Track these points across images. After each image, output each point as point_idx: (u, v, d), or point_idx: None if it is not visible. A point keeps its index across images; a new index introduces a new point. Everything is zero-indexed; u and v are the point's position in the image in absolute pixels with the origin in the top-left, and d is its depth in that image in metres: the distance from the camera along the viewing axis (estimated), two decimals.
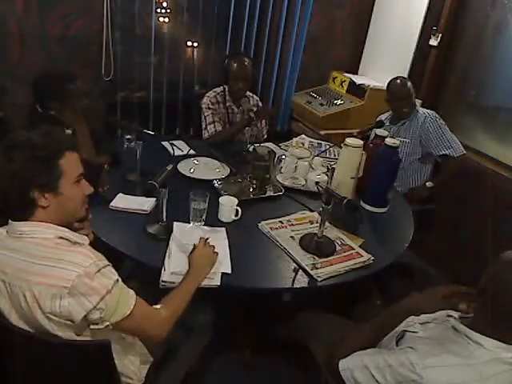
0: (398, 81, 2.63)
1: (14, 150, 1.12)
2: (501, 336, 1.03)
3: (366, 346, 1.22)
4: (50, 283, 1.08)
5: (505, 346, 1.03)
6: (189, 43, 3.15)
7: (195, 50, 3.18)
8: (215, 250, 1.56)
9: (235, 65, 2.54)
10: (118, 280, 1.16)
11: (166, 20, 3.06)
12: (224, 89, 2.67)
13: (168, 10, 3.03)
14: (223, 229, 1.74)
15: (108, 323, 1.13)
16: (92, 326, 1.14)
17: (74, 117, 2.04)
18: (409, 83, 2.61)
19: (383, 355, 1.14)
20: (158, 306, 1.28)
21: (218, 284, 1.48)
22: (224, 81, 2.65)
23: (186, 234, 1.66)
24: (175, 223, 1.71)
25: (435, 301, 1.22)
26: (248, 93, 2.71)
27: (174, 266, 1.49)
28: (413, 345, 1.10)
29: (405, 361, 1.06)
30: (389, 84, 2.66)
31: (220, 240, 1.66)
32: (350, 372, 1.18)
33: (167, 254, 1.56)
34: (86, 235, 1.30)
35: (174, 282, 1.44)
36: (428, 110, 2.64)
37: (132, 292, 1.20)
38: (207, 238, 1.57)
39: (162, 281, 1.46)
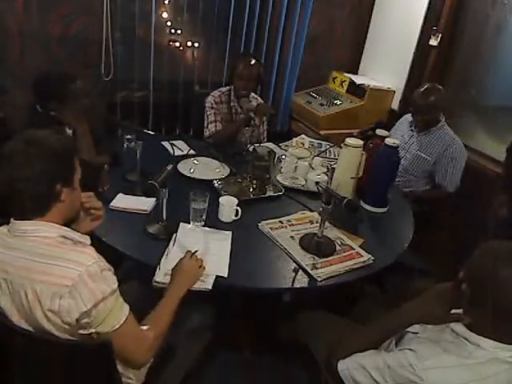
0: (421, 89, 2.45)
1: (38, 145, 1.13)
2: (498, 336, 1.03)
3: (367, 348, 1.22)
4: (52, 281, 1.08)
5: (503, 346, 1.03)
6: (189, 43, 3.15)
7: (195, 50, 3.18)
8: (214, 253, 1.57)
9: (241, 64, 2.55)
10: (116, 290, 1.15)
11: (166, 20, 3.05)
12: (230, 89, 2.68)
13: (168, 10, 3.03)
14: (229, 232, 1.72)
15: (93, 331, 1.12)
16: (80, 331, 1.12)
17: (74, 116, 2.04)
18: (432, 97, 2.41)
19: (382, 356, 1.14)
20: (145, 327, 1.24)
21: (210, 288, 1.45)
22: (230, 80, 2.66)
23: (189, 236, 1.66)
24: (181, 224, 1.70)
25: (446, 311, 1.19)
26: (253, 95, 2.71)
27: (170, 267, 1.48)
28: (412, 346, 1.10)
29: (404, 362, 1.06)
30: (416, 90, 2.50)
31: (222, 241, 1.66)
32: (348, 372, 1.18)
33: (165, 252, 1.56)
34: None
35: (165, 283, 1.43)
36: (456, 138, 2.52)
37: (127, 307, 1.18)
38: (195, 252, 1.53)
39: (155, 281, 1.45)
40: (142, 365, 1.28)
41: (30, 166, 1.11)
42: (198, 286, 1.45)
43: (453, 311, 1.18)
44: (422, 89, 2.46)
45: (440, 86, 2.49)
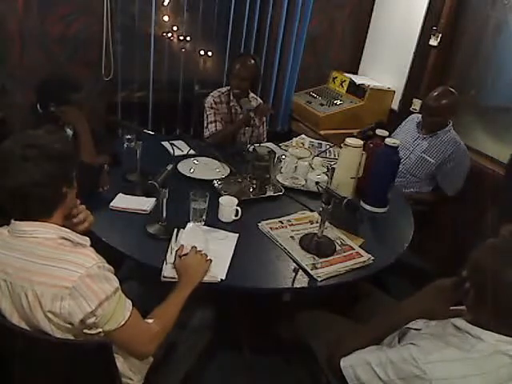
0: (435, 92, 2.45)
1: (42, 148, 1.12)
2: (501, 329, 1.03)
3: (368, 345, 1.22)
4: (52, 283, 1.08)
5: (505, 339, 1.03)
6: (189, 44, 3.15)
7: (195, 50, 3.18)
8: (217, 253, 1.56)
9: (237, 64, 2.56)
10: (118, 288, 1.16)
11: (166, 20, 3.05)
12: (229, 89, 2.68)
13: (168, 11, 3.03)
14: (236, 235, 1.71)
15: (101, 330, 1.13)
16: (85, 331, 1.13)
17: (74, 116, 2.04)
18: (445, 100, 2.42)
19: (385, 352, 1.13)
20: (150, 321, 1.26)
21: (218, 280, 1.47)
22: (228, 80, 2.67)
23: (191, 235, 1.66)
24: (189, 224, 1.70)
25: (446, 307, 1.20)
26: (252, 95, 2.72)
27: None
28: (415, 341, 1.10)
29: (407, 357, 1.06)
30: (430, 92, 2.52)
31: (225, 243, 1.65)
32: (352, 370, 1.17)
33: (169, 248, 1.56)
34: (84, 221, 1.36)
35: (174, 278, 1.45)
36: (462, 142, 2.51)
37: (129, 302, 1.20)
38: (201, 251, 1.54)
39: (164, 276, 1.46)
40: (145, 356, 1.31)
41: (39, 169, 1.10)
42: (208, 278, 1.47)
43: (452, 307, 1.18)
44: (436, 92, 2.46)
45: (453, 90, 2.47)
